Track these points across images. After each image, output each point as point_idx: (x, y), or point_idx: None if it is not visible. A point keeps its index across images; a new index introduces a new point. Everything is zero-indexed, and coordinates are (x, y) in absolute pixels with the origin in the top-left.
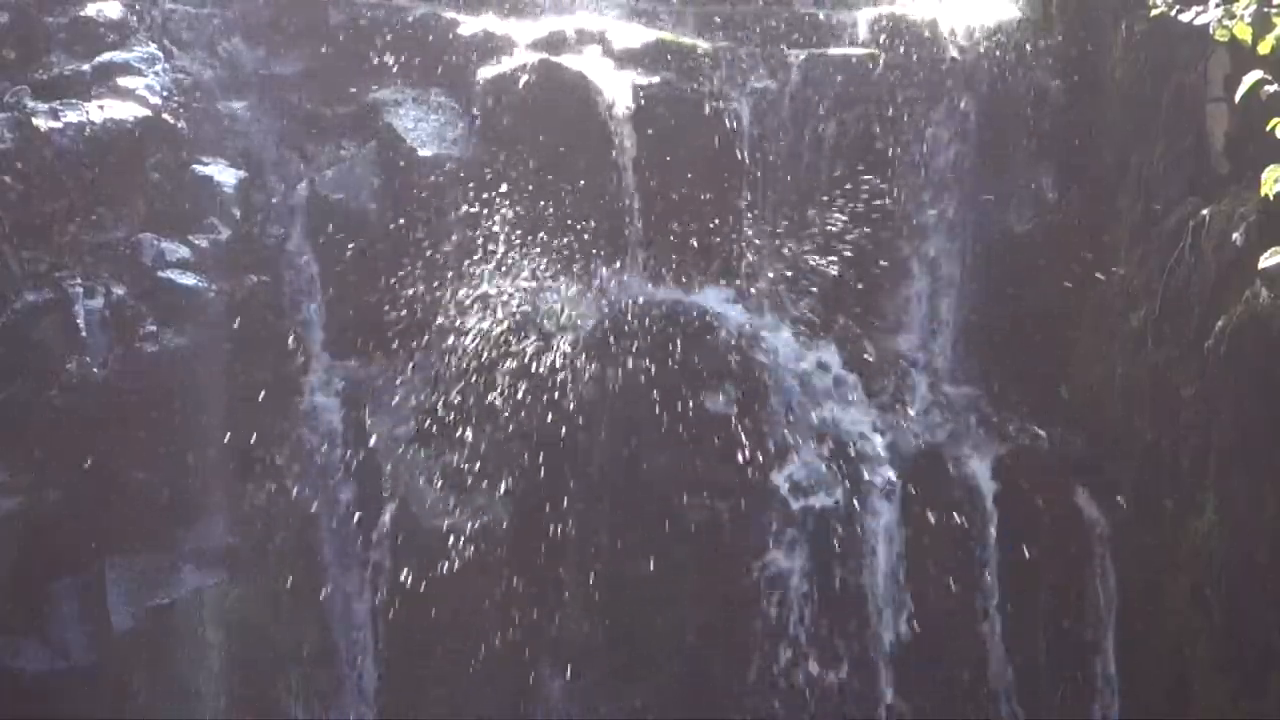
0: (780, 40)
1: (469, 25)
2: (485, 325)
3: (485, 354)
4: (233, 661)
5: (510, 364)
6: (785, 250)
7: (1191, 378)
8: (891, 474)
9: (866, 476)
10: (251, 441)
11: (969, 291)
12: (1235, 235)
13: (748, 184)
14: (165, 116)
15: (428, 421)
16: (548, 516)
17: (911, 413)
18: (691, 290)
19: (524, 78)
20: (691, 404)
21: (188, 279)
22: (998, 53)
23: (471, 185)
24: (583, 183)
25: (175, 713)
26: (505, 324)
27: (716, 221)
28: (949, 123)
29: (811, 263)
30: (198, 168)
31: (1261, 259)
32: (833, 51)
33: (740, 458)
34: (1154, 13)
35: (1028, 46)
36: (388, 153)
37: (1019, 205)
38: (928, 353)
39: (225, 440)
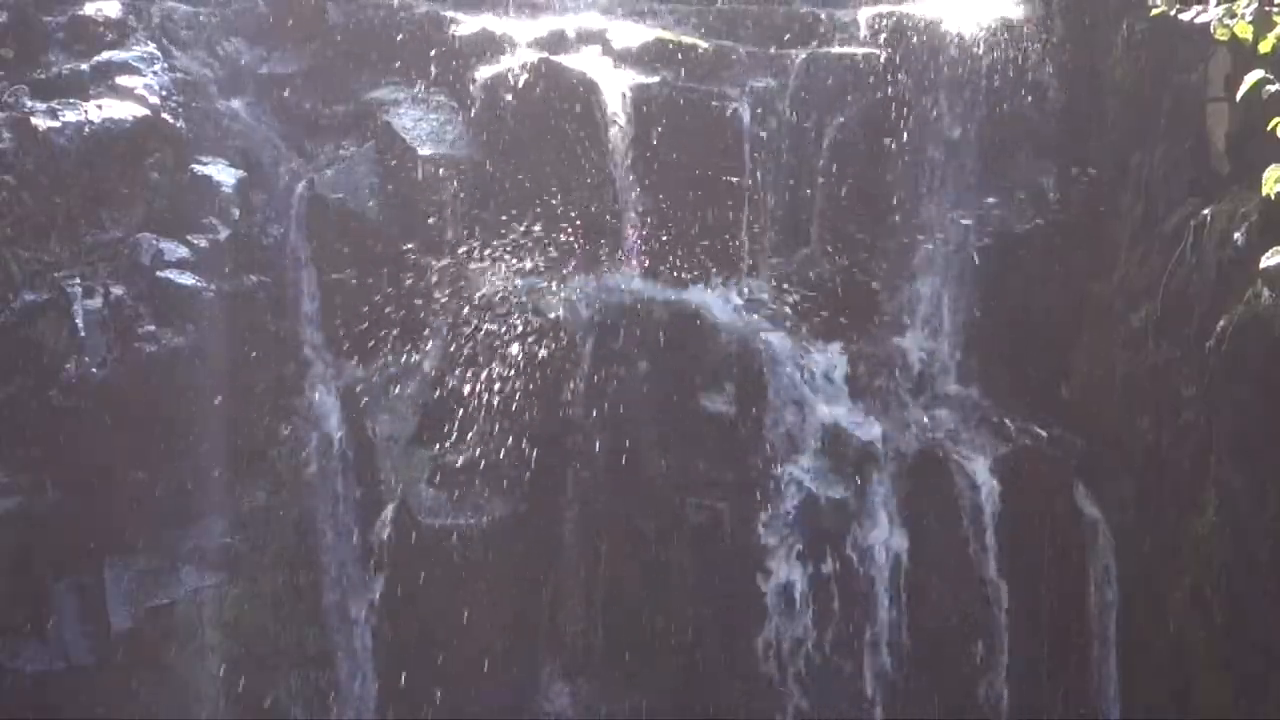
0: (780, 39)
1: (468, 25)
2: (484, 324)
3: (484, 353)
4: (232, 662)
5: (510, 363)
6: (785, 249)
7: (1192, 378)
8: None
9: (865, 475)
10: (251, 441)
11: (970, 291)
12: (1236, 235)
13: (747, 183)
14: (164, 116)
15: (427, 421)
16: (547, 516)
17: (912, 412)
18: (691, 289)
19: (523, 77)
20: (691, 404)
21: (187, 279)
22: (998, 52)
23: (470, 184)
24: (582, 181)
25: (175, 713)
26: (504, 323)
27: (716, 221)
28: (949, 122)
29: (811, 262)
30: (197, 168)
31: (1262, 259)
32: (833, 51)
33: (740, 458)
34: (1154, 12)
35: (1028, 46)
36: (387, 152)
37: (1019, 205)
38: (928, 352)
39: (225, 440)
